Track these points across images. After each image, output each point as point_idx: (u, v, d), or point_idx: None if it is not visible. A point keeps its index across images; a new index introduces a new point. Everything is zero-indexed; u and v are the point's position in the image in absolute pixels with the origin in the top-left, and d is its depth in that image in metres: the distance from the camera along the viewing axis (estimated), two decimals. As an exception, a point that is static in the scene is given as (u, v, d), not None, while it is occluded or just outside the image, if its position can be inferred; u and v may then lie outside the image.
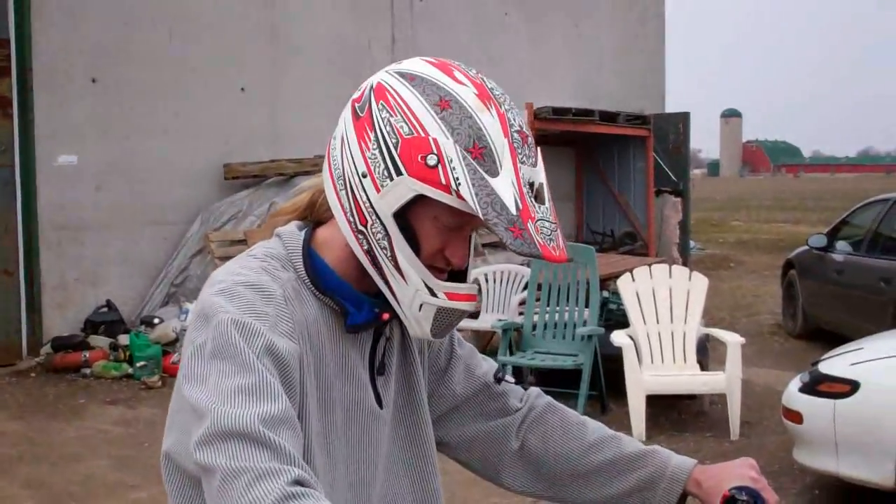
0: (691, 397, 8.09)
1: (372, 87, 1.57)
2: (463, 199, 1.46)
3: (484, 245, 12.64)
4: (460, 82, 1.54)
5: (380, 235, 1.54)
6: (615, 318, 8.52)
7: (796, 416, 5.84)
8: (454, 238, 1.57)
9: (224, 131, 11.74)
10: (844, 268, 10.30)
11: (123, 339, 9.78)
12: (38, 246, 10.24)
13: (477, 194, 1.46)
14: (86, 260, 10.70)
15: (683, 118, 17.48)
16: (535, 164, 1.53)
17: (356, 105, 1.58)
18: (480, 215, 1.45)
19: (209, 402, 1.38)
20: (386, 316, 1.65)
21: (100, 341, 9.94)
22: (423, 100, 1.51)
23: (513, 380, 1.92)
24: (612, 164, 17.14)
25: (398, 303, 1.58)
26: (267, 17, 12.45)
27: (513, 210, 1.46)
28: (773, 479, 6.28)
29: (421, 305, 1.57)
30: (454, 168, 1.47)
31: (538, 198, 1.52)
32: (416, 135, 1.50)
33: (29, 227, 10.16)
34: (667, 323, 7.77)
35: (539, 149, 1.57)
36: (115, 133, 10.91)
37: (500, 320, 8.70)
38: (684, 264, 11.61)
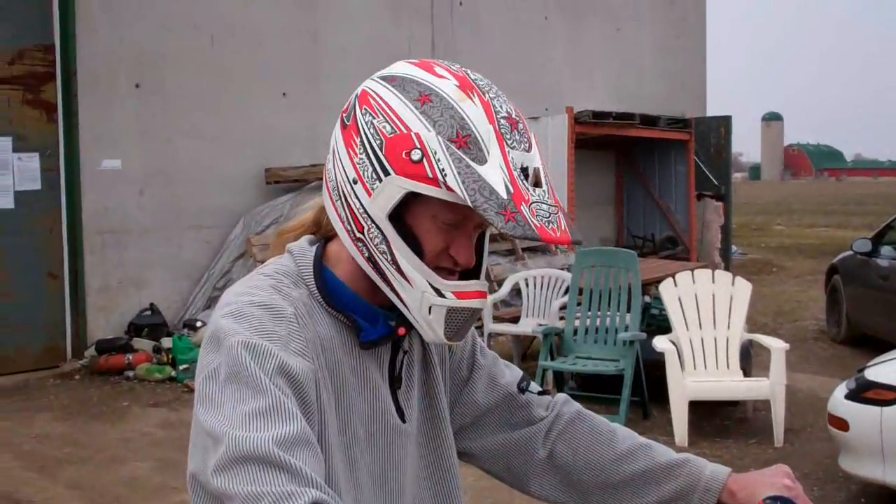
0: (734, 403, 8.02)
1: (357, 95, 1.58)
2: (451, 190, 1.44)
3: (524, 250, 12.63)
4: (441, 76, 1.53)
5: (378, 240, 1.53)
6: (657, 323, 8.46)
7: (842, 424, 5.77)
8: (457, 236, 1.55)
9: (265, 136, 11.80)
10: (890, 273, 10.17)
11: (166, 342, 9.85)
12: (83, 249, 10.34)
13: (464, 182, 1.44)
14: (129, 263, 10.79)
15: (725, 122, 17.40)
16: (528, 149, 1.51)
17: (343, 115, 1.58)
18: (469, 203, 1.43)
19: (224, 428, 1.36)
20: (402, 331, 1.64)
21: (143, 344, 10.02)
22: (403, 97, 1.51)
23: (537, 388, 1.88)
24: (652, 168, 17.07)
25: (407, 308, 1.56)
26: (308, 22, 12.51)
27: (503, 194, 1.44)
28: (818, 486, 6.22)
29: (430, 308, 1.54)
30: (439, 160, 1.45)
31: (535, 182, 1.49)
32: (398, 132, 1.49)
33: (73, 230, 10.26)
34: (710, 328, 7.71)
35: (534, 134, 1.55)
36: (158, 138, 11.00)
37: (540, 325, 8.67)
38: (726, 269, 11.54)
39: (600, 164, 16.99)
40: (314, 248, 1.65)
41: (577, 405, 1.92)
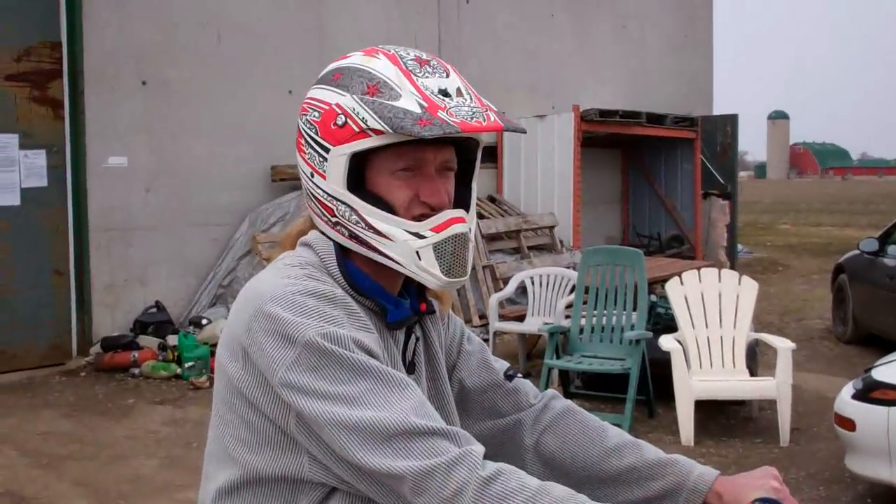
0: (740, 403, 8.01)
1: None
2: (377, 131, 1.57)
3: (529, 248, 12.62)
4: (349, 56, 1.70)
5: (348, 213, 1.62)
6: (663, 322, 8.45)
7: (849, 424, 5.76)
8: (422, 180, 1.63)
9: (271, 133, 11.79)
10: (896, 272, 10.14)
11: (172, 340, 9.85)
12: (89, 246, 10.35)
13: (381, 117, 1.56)
14: (135, 261, 10.80)
15: (732, 120, 17.38)
16: (446, 75, 1.63)
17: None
18: (390, 128, 1.55)
19: (349, 414, 1.43)
20: (424, 307, 1.74)
21: (149, 341, 10.03)
22: (323, 84, 1.68)
23: (521, 375, 1.94)
24: (658, 166, 17.05)
25: (401, 265, 1.63)
26: (314, 18, 12.51)
27: (417, 110, 1.56)
28: (824, 486, 6.21)
29: (418, 254, 1.61)
30: (357, 113, 1.59)
31: (457, 95, 1.60)
32: (323, 111, 1.63)
33: (79, 228, 10.26)
34: (716, 327, 7.70)
35: (453, 68, 1.66)
36: (165, 135, 11.00)
37: (546, 324, 8.67)
38: (732, 268, 11.52)
39: (606, 163, 16.98)
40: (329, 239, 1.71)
41: (567, 401, 1.98)
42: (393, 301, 1.69)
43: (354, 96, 1.60)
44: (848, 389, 5.97)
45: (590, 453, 1.86)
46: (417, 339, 1.75)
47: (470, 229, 1.67)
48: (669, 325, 8.11)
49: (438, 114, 1.54)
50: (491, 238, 12.51)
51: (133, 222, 10.77)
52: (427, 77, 1.60)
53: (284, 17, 12.16)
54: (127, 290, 10.71)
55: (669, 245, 16.61)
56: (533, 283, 9.98)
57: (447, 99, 1.58)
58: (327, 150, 1.62)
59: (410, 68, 1.61)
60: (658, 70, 18.27)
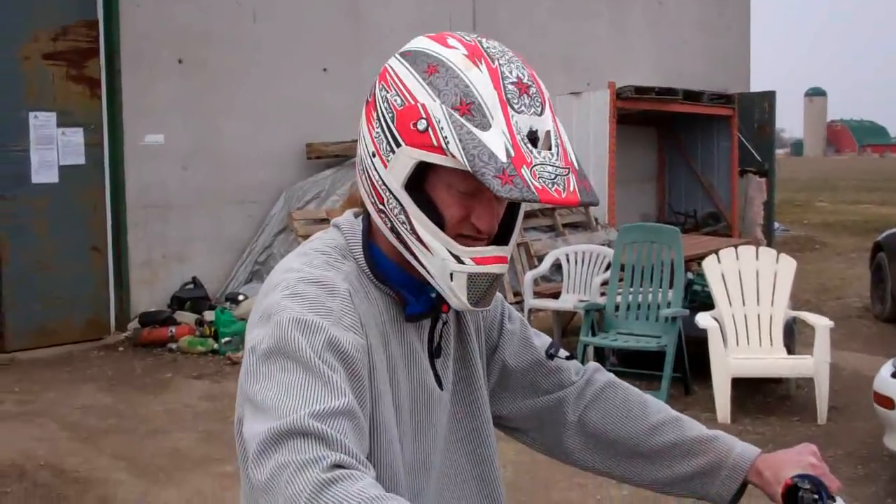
0: (777, 381, 7.96)
1: (379, 72, 1.61)
2: (454, 157, 1.47)
3: (564, 225, 12.58)
4: (451, 46, 1.55)
5: (396, 210, 1.57)
6: (700, 299, 8.40)
7: (888, 402, 5.71)
8: (477, 204, 1.57)
9: (307, 112, 11.81)
10: (936, 250, 10.03)
11: (209, 316, 9.93)
12: (126, 224, 10.43)
13: (464, 148, 1.46)
14: (172, 238, 10.87)
15: (769, 97, 17.22)
16: (539, 113, 1.52)
17: (367, 95, 1.63)
18: (468, 167, 1.45)
19: (266, 400, 1.40)
20: (446, 308, 1.67)
21: (186, 317, 10.11)
22: (413, 70, 1.54)
23: (565, 354, 1.91)
24: (695, 143, 16.93)
25: (431, 276, 1.59)
26: (349, -4, 12.49)
27: (502, 158, 1.45)
28: (862, 465, 6.17)
29: (451, 275, 1.57)
30: (442, 128, 1.48)
31: (546, 145, 1.50)
32: (407, 104, 1.53)
33: (117, 205, 10.34)
34: (753, 305, 7.65)
35: (548, 98, 1.56)
36: (201, 113, 11.04)
37: (581, 301, 8.65)
38: (768, 245, 11.44)
39: (642, 140, 16.87)
40: (359, 220, 1.69)
41: (609, 375, 1.96)
42: (415, 290, 1.66)
43: (445, 107, 1.49)
44: (887, 367, 5.92)
45: (631, 429, 1.86)
46: (445, 324, 1.73)
47: (504, 270, 1.63)
48: (706, 303, 8.06)
49: (522, 171, 1.45)
50: (525, 215, 12.42)
51: (170, 199, 10.84)
52: (522, 112, 1.49)
53: (319, -6, 12.16)
54: (164, 266, 10.79)
55: (706, 223, 16.51)
56: (568, 261, 9.95)
57: (534, 151, 1.48)
58: (398, 145, 1.53)
59: (509, 96, 1.50)
60: (694, 47, 18.11)
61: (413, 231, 1.56)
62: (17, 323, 9.54)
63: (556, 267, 10.30)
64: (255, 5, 11.50)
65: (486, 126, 1.47)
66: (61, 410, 7.58)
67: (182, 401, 7.85)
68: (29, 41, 9.61)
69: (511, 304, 11.06)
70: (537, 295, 9.97)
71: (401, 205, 1.55)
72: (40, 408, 7.64)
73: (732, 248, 7.99)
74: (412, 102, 1.52)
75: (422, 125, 1.50)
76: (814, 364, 7.13)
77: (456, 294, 1.58)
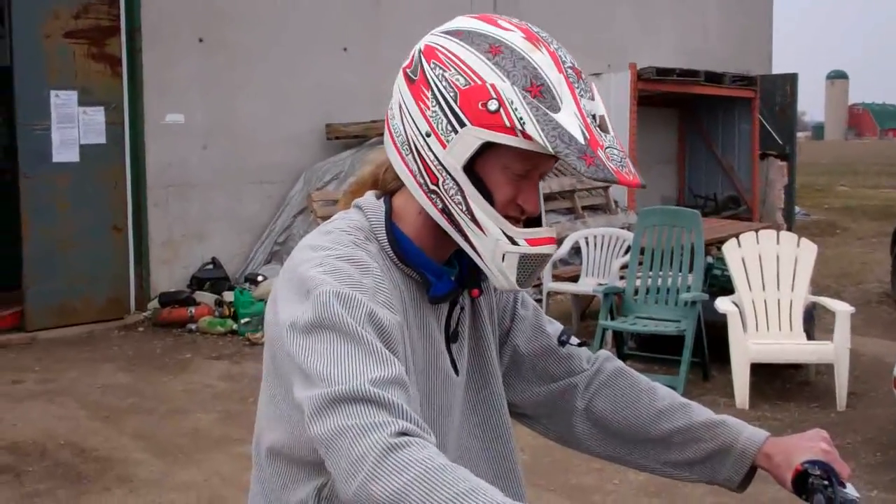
0: (796, 367, 7.93)
1: (420, 50, 1.60)
2: (530, 138, 1.48)
3: (583, 208, 12.55)
4: (506, 28, 1.55)
5: (453, 191, 1.56)
6: (719, 284, 8.37)
7: (909, 389, 5.69)
8: (525, 185, 1.59)
9: (326, 92, 11.81)
10: (959, 236, 9.95)
11: (228, 296, 9.96)
12: (147, 203, 10.46)
13: (543, 129, 1.47)
14: (192, 217, 10.90)
15: (791, 80, 17.12)
16: (592, 98, 1.54)
17: (408, 71, 1.61)
18: (551, 149, 1.46)
19: (320, 371, 1.38)
20: (476, 293, 1.71)
21: (205, 297, 10.14)
22: (474, 49, 1.53)
23: (577, 341, 1.91)
24: (716, 126, 16.85)
25: (480, 257, 1.59)
26: (370, -24, 12.45)
27: (581, 139, 1.47)
28: (881, 452, 6.15)
29: (504, 255, 1.58)
30: (516, 109, 1.48)
31: (602, 128, 1.52)
32: (472, 84, 1.51)
33: (137, 184, 10.37)
34: (773, 290, 7.61)
35: (593, 84, 1.58)
36: (221, 92, 11.05)
37: (600, 284, 8.63)
38: (789, 230, 11.38)
39: (663, 122, 16.79)
40: (382, 202, 1.68)
41: (618, 362, 1.97)
42: (436, 272, 1.66)
43: (517, 88, 1.49)
44: (908, 354, 5.89)
45: (640, 415, 1.86)
46: (462, 309, 1.73)
47: (554, 251, 1.65)
48: (725, 288, 8.03)
49: (598, 152, 1.48)
50: (544, 198, 12.39)
51: (190, 179, 10.86)
52: (583, 96, 1.52)
53: (340, -26, 12.12)
54: (184, 246, 10.83)
55: (726, 206, 16.44)
56: (588, 244, 9.93)
57: (603, 134, 1.50)
58: (462, 125, 1.51)
59: (571, 79, 1.52)
60: (716, 28, 18.00)
61: (469, 212, 1.56)
62: (38, 302, 9.59)
63: (576, 250, 10.28)
64: (276, -15, 11.49)
65: (556, 109, 1.49)
66: (82, 389, 7.63)
67: (201, 381, 7.88)
68: (50, 19, 9.62)
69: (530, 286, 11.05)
70: (556, 278, 9.96)
71: (458, 185, 1.55)
72: (61, 387, 7.70)
73: (753, 233, 7.95)
74: (479, 82, 1.51)
75: (493, 105, 1.49)
76: (834, 350, 7.09)
77: (504, 274, 1.59)
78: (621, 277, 8.91)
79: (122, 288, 10.23)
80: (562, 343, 1.89)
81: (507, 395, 1.88)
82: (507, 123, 1.48)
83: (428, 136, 1.56)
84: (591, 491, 5.59)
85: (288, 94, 11.55)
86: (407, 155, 1.60)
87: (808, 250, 7.72)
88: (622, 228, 10.64)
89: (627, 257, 8.73)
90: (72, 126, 9.79)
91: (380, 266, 1.57)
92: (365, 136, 11.64)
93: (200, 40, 10.89)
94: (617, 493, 5.56)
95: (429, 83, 1.56)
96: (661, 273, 8.14)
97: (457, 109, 1.52)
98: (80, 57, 9.82)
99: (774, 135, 16.74)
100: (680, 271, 8.05)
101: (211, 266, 10.74)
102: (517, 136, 1.48)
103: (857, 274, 13.37)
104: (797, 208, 18.62)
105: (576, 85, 1.52)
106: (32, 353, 8.83)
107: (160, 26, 10.49)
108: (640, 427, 1.86)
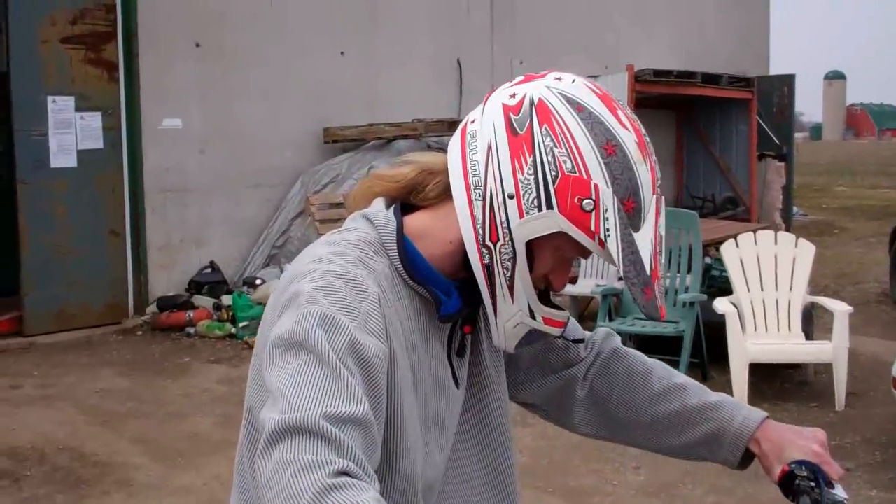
0: (795, 366, 7.93)
1: (533, 103, 1.51)
2: (605, 250, 1.47)
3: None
4: (625, 126, 1.50)
5: (507, 257, 1.53)
6: (718, 284, 8.38)
7: (907, 388, 5.69)
8: (563, 265, 1.58)
9: (324, 95, 11.81)
10: (957, 235, 9.96)
11: (226, 300, 9.96)
12: (144, 208, 10.46)
13: (623, 250, 1.46)
14: (190, 222, 10.90)
15: (788, 81, 17.13)
16: (663, 212, 1.55)
17: (513, 117, 1.52)
18: (622, 273, 1.47)
19: (283, 390, 1.35)
20: (468, 329, 1.69)
21: (203, 301, 10.14)
22: (591, 139, 1.47)
23: (572, 336, 1.86)
24: (713, 127, 16.85)
25: (496, 315, 1.59)
26: (366, -20, 12.46)
27: (647, 270, 1.48)
28: (880, 451, 6.15)
29: (517, 324, 1.59)
30: (607, 218, 1.46)
31: (661, 251, 1.53)
32: (577, 174, 1.47)
33: (135, 189, 10.37)
34: (771, 290, 7.62)
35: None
36: (218, 97, 11.06)
37: (599, 286, 8.63)
38: (787, 230, 11.38)
39: (660, 124, 16.78)
40: (391, 213, 1.63)
41: (616, 340, 1.96)
42: (444, 289, 1.62)
43: (616, 199, 1.46)
44: (907, 353, 5.89)
45: (635, 398, 1.86)
46: (464, 324, 1.71)
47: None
48: (724, 288, 8.04)
49: (655, 285, 1.48)
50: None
51: (187, 183, 10.86)
52: (660, 213, 1.52)
53: (336, -23, 12.13)
54: (182, 250, 10.83)
55: (724, 207, 16.44)
56: (585, 245, 9.92)
57: (661, 262, 1.52)
58: (549, 206, 1.47)
59: (660, 201, 1.52)
60: (713, 30, 18.02)
61: (510, 279, 1.54)
62: (36, 307, 9.58)
63: (574, 251, 10.27)
64: (273, -11, 11.49)
65: (637, 227, 1.48)
66: (80, 394, 7.62)
67: (200, 385, 7.88)
68: (47, 24, 9.62)
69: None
70: (554, 279, 9.95)
71: (514, 254, 1.52)
72: (59, 391, 7.69)
73: (751, 233, 7.96)
74: (585, 177, 1.46)
75: (588, 206, 1.46)
76: (832, 350, 7.10)
77: (507, 338, 1.61)
78: (619, 278, 8.91)
79: (121, 292, 10.22)
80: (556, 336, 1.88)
81: (520, 396, 1.90)
82: (593, 228, 1.46)
83: (510, 198, 1.50)
84: (590, 493, 5.59)
85: (285, 97, 11.56)
86: (476, 200, 1.53)
87: (806, 250, 7.72)
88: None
89: (625, 258, 8.72)
90: (69, 131, 9.79)
91: (381, 288, 1.52)
92: (362, 139, 11.64)
93: (197, 45, 10.90)
94: (616, 494, 5.56)
95: (533, 148, 1.49)
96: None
97: (552, 190, 1.47)
98: (77, 62, 9.82)
99: (772, 135, 16.74)
100: (678, 272, 8.06)
101: (209, 270, 10.74)
102: (595, 241, 1.47)
103: (855, 274, 13.39)
104: (795, 209, 18.63)
105: (661, 207, 1.52)
106: (31, 358, 8.82)
107: (157, 31, 10.49)
108: (635, 410, 1.86)
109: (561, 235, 1.49)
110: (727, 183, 16.73)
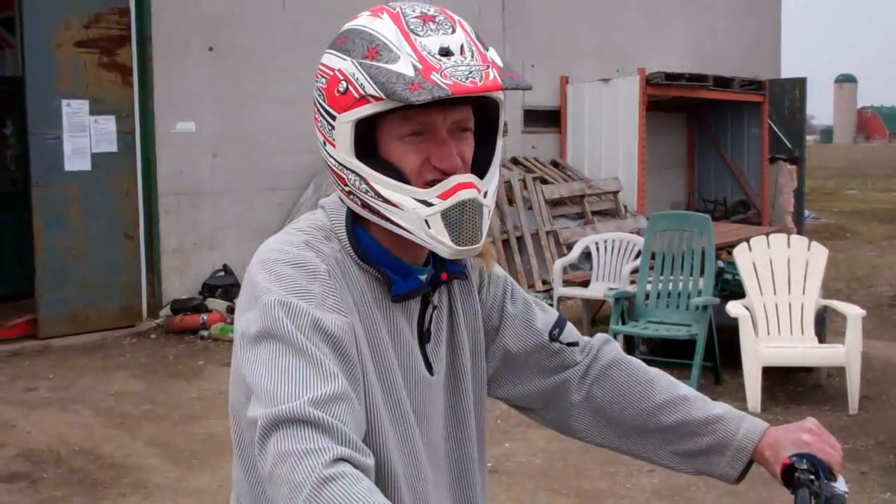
0: (808, 370, 7.93)
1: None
2: (375, 97, 1.51)
3: (593, 213, 12.57)
4: (360, 16, 1.61)
5: (358, 183, 1.58)
6: (730, 288, 8.38)
7: (921, 392, 5.68)
8: (433, 144, 1.57)
9: (336, 98, 11.82)
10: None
11: (239, 303, 9.97)
12: (158, 211, 10.50)
13: (376, 81, 1.50)
14: (203, 225, 10.94)
15: (800, 84, 17.12)
16: (451, 31, 1.55)
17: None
18: (382, 94, 1.49)
19: (263, 384, 1.40)
20: (444, 275, 1.69)
21: (217, 304, 10.18)
22: (330, 48, 1.61)
23: (568, 339, 1.89)
24: (725, 130, 16.86)
25: (412, 234, 1.58)
26: (379, -17, 12.48)
27: (410, 73, 1.49)
28: (893, 454, 6.16)
29: (427, 222, 1.56)
30: (357, 79, 1.53)
31: (459, 54, 1.52)
32: (328, 77, 1.58)
33: (148, 192, 10.41)
34: (784, 294, 7.62)
35: (463, 23, 1.59)
36: (231, 100, 11.09)
37: (611, 289, 8.64)
38: (799, 233, 11.38)
39: (672, 127, 16.80)
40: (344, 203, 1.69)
41: (616, 347, 1.95)
42: (402, 272, 1.64)
43: (354, 60, 1.54)
44: (920, 357, 5.89)
45: (636, 409, 1.85)
46: (435, 308, 1.72)
47: (484, 194, 1.60)
48: (737, 292, 8.04)
49: (432, 76, 1.47)
50: (554, 203, 12.48)
51: (201, 187, 10.90)
52: (429, 35, 1.52)
53: (349, -19, 12.16)
54: (195, 253, 10.86)
55: (735, 210, 16.44)
56: (598, 249, 9.95)
57: (445, 59, 1.50)
58: (333, 118, 1.57)
59: (412, 27, 1.53)
60: (725, 33, 18.01)
61: (378, 195, 1.56)
62: (51, 310, 9.63)
63: (586, 255, 10.30)
64: (285, -7, 11.53)
65: (394, 59, 1.51)
66: (95, 397, 7.66)
67: (215, 387, 7.91)
68: (61, 29, 9.66)
69: (540, 291, 11.09)
70: (566, 283, 9.98)
71: (359, 175, 1.57)
72: (75, 394, 7.73)
73: (763, 237, 7.96)
74: (331, 74, 1.58)
75: (342, 87, 1.55)
76: (845, 353, 7.10)
77: (438, 240, 1.56)
78: (632, 282, 8.92)
79: (134, 296, 10.26)
80: (553, 338, 1.88)
81: (502, 391, 1.90)
82: (357, 95, 1.53)
83: (324, 145, 1.62)
84: (603, 495, 5.60)
85: (298, 100, 11.54)
86: (327, 171, 1.66)
87: (818, 254, 7.72)
88: (632, 233, 10.65)
89: (638, 262, 8.75)
90: (83, 135, 9.83)
91: (331, 268, 1.57)
92: (375, 142, 11.66)
93: (210, 49, 10.94)
94: (630, 497, 5.57)
95: (314, 100, 1.63)
96: (671, 277, 8.15)
97: (326, 107, 1.58)
98: (92, 66, 9.87)
99: (783, 139, 16.73)
100: (691, 275, 8.07)
101: (222, 273, 10.78)
102: (369, 101, 1.52)
103: (867, 277, 13.35)
104: (807, 212, 18.60)
105: (420, 29, 1.53)
106: (45, 360, 8.87)
107: (171, 35, 10.54)
108: (636, 420, 1.85)
109: (382, 127, 1.56)
110: (739, 186, 16.73)
